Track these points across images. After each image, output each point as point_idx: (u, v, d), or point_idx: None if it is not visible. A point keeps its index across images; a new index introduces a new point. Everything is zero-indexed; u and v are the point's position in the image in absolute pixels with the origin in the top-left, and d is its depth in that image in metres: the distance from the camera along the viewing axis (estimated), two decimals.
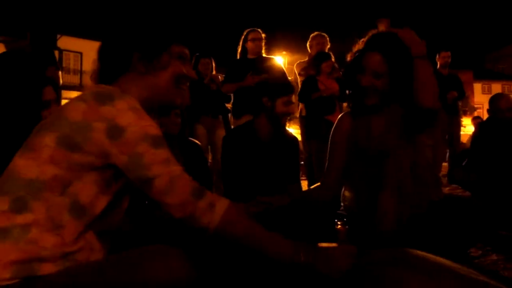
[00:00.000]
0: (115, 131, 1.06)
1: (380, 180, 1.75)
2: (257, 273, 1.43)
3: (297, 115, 4.63)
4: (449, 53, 5.66)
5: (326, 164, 1.97)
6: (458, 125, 5.80)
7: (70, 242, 1.05)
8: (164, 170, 1.07)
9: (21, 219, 1.02)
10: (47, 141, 1.07)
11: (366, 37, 1.84)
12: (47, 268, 1.01)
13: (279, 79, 2.82)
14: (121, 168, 1.09)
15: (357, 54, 1.84)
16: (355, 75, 1.81)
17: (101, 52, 1.27)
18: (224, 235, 1.10)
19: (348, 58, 1.90)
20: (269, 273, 1.58)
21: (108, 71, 1.24)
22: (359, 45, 1.87)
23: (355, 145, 1.85)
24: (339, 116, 2.00)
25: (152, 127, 1.10)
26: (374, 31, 1.85)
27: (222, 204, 1.10)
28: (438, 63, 5.70)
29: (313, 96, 4.18)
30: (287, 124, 2.64)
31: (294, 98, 2.59)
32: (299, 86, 4.73)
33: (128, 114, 1.07)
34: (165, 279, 0.96)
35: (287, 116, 2.49)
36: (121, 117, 1.06)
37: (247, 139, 2.47)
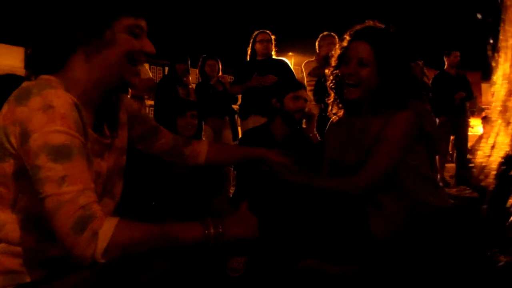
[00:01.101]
0: (24, 137, 0.96)
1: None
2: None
3: None
4: (458, 53, 5.64)
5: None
6: (466, 125, 5.76)
7: (42, 250, 1.03)
8: (54, 191, 0.93)
9: None
10: None
11: (350, 31, 1.73)
12: (35, 275, 1.02)
13: (285, 78, 2.80)
14: None
15: (342, 49, 1.74)
16: (339, 68, 1.72)
17: (39, 37, 1.13)
18: (120, 255, 0.96)
19: (334, 56, 1.79)
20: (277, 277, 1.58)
21: (52, 57, 1.10)
22: (343, 42, 1.75)
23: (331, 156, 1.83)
24: (331, 118, 1.96)
25: (56, 134, 0.95)
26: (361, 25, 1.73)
27: (106, 231, 0.94)
28: (447, 63, 5.67)
29: None
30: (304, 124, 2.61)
31: (305, 94, 2.56)
32: (306, 86, 4.72)
33: (38, 116, 0.96)
34: (157, 283, 0.94)
35: (300, 112, 2.48)
36: (30, 120, 0.96)
37: (262, 139, 2.50)
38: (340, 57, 1.73)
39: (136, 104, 1.38)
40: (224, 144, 1.59)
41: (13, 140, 0.98)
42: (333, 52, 1.81)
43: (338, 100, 1.81)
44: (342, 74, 1.69)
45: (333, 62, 1.79)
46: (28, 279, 1.02)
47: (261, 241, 1.23)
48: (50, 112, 0.96)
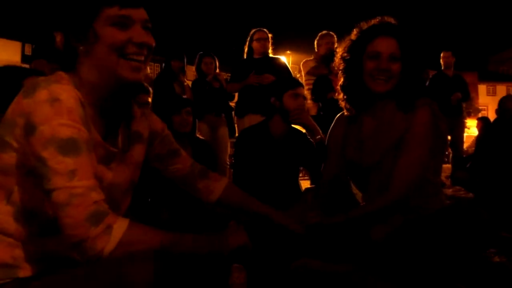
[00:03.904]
0: (29, 129, 0.96)
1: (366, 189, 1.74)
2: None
3: None
4: (449, 53, 5.64)
5: (323, 165, 1.97)
6: (462, 126, 5.77)
7: (36, 244, 1.03)
8: (64, 184, 0.93)
9: None
10: None
11: (368, 25, 1.72)
12: (27, 270, 1.02)
13: (283, 76, 2.77)
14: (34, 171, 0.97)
15: (358, 42, 1.72)
16: (361, 62, 1.70)
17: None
18: (124, 255, 0.96)
19: (344, 49, 1.77)
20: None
21: (66, 58, 1.11)
22: (355, 34, 1.74)
23: (344, 155, 1.83)
24: (336, 116, 1.96)
25: (64, 128, 0.96)
26: (375, 20, 1.72)
27: (120, 226, 0.97)
28: (442, 64, 5.69)
29: (328, 95, 4.15)
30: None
31: (303, 91, 2.53)
32: (304, 85, 4.72)
33: (44, 108, 0.95)
34: (146, 282, 0.93)
35: (298, 111, 2.43)
36: (36, 112, 0.95)
37: (260, 137, 2.48)
38: (361, 47, 1.70)
39: (161, 123, 1.37)
40: (244, 192, 1.56)
41: (17, 132, 0.98)
42: (338, 49, 1.81)
43: (349, 97, 1.80)
44: (372, 69, 1.66)
45: (339, 60, 1.78)
46: (20, 274, 1.01)
47: (257, 248, 1.26)
48: (57, 105, 0.96)
